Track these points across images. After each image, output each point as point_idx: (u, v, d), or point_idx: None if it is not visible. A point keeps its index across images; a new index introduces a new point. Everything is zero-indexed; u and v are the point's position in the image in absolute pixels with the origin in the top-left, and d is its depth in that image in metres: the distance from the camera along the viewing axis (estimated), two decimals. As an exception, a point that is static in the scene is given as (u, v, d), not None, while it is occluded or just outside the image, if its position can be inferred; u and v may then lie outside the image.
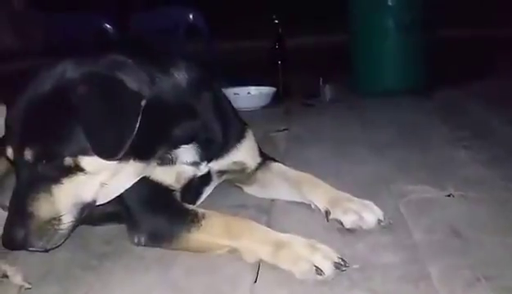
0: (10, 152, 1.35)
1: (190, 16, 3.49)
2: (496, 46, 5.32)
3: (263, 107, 3.21)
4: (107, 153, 1.29)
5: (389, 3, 3.31)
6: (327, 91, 3.35)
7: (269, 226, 1.46)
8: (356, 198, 1.58)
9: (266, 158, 1.82)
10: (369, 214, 1.51)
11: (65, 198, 1.32)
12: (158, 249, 1.44)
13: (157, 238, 1.44)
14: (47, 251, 1.34)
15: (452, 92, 3.37)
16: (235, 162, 1.71)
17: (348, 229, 1.51)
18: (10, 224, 1.29)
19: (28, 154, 1.30)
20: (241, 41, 5.82)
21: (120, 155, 1.29)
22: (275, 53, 3.45)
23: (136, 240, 1.46)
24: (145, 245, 1.46)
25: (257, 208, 1.72)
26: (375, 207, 1.53)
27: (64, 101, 1.28)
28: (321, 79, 3.39)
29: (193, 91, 1.54)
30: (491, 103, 3.00)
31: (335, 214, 1.55)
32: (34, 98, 1.32)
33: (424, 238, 1.44)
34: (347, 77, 3.59)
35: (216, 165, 1.66)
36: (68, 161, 1.29)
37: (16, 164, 1.35)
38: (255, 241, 1.34)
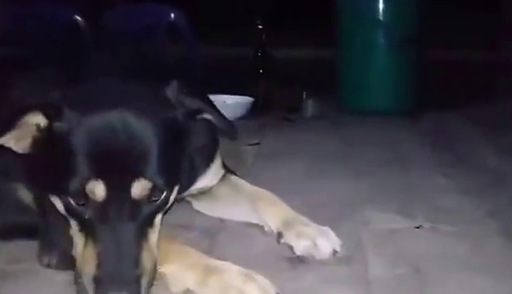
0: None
1: (172, 15, 3.28)
2: (495, 71, 5.19)
3: (239, 118, 3.01)
4: None
5: (380, 18, 3.15)
6: (309, 107, 3.18)
7: (210, 252, 1.31)
8: (313, 223, 1.42)
9: (226, 170, 1.67)
10: (324, 241, 1.36)
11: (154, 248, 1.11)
12: (72, 273, 1.15)
13: (71, 261, 1.15)
14: None
15: (441, 115, 3.19)
16: (198, 188, 1.57)
17: (300, 259, 1.34)
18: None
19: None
20: (226, 46, 5.65)
21: None
22: (257, 61, 3.29)
23: (45, 261, 1.24)
24: (55, 268, 1.23)
25: (201, 230, 1.54)
26: (332, 235, 1.38)
27: None
28: (305, 93, 3.23)
29: None
30: (481, 129, 2.83)
31: (287, 237, 1.39)
32: None
33: (382, 274, 1.28)
34: (332, 93, 3.41)
35: None
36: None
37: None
38: (184, 266, 1.16)
